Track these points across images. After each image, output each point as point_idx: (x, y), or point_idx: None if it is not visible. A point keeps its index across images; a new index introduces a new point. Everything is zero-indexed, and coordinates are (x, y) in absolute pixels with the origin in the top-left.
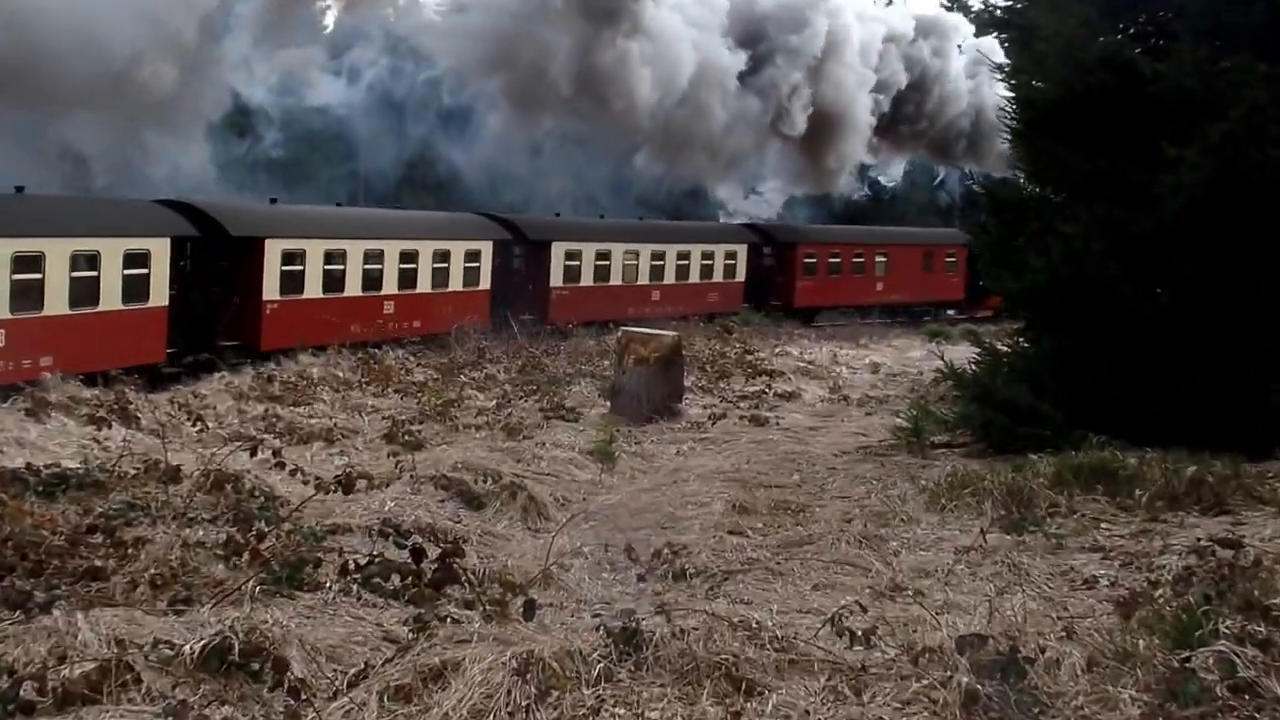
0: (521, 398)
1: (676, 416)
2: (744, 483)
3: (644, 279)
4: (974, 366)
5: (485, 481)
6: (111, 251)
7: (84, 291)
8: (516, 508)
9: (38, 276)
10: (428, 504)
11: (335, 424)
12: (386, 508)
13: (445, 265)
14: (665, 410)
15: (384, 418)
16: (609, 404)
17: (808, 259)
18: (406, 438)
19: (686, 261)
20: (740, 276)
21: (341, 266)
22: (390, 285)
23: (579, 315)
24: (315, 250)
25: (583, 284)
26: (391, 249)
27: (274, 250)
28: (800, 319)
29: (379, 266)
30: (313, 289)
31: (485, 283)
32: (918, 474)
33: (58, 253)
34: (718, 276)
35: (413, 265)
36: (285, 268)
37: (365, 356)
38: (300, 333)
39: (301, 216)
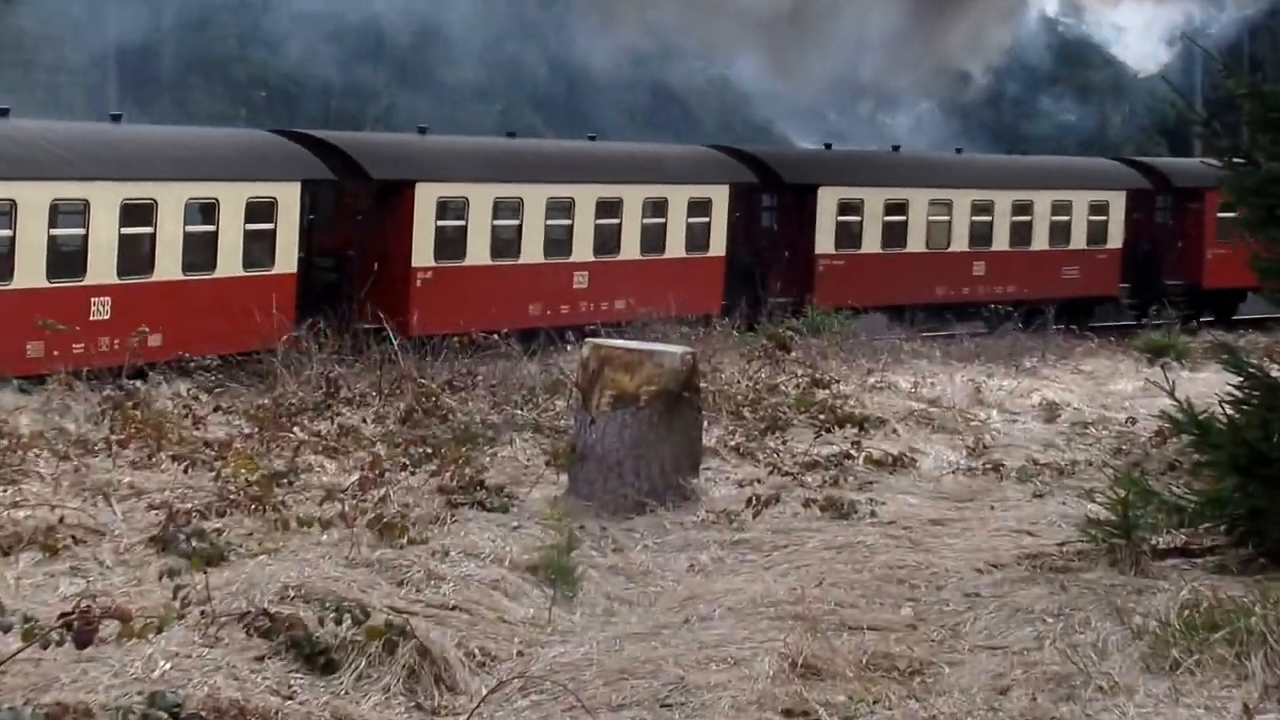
0: (406, 467)
1: (689, 501)
2: (812, 622)
3: (960, 243)
4: (1231, 410)
5: (339, 622)
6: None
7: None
8: (396, 670)
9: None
10: (234, 664)
11: (62, 519)
12: (156, 672)
13: (660, 220)
14: (669, 490)
15: (153, 506)
16: (566, 479)
17: (1223, 214)
18: (195, 543)
19: (1027, 217)
20: (1114, 242)
21: (516, 221)
22: (583, 249)
23: (857, 296)
24: (482, 199)
25: (864, 249)
26: (585, 197)
27: (427, 197)
28: (1212, 310)
29: (566, 222)
30: (477, 253)
31: (720, 247)
32: (1128, 605)
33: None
34: (1077, 241)
35: (614, 220)
36: (440, 222)
37: (119, 396)
38: (458, 314)
39: (462, 152)
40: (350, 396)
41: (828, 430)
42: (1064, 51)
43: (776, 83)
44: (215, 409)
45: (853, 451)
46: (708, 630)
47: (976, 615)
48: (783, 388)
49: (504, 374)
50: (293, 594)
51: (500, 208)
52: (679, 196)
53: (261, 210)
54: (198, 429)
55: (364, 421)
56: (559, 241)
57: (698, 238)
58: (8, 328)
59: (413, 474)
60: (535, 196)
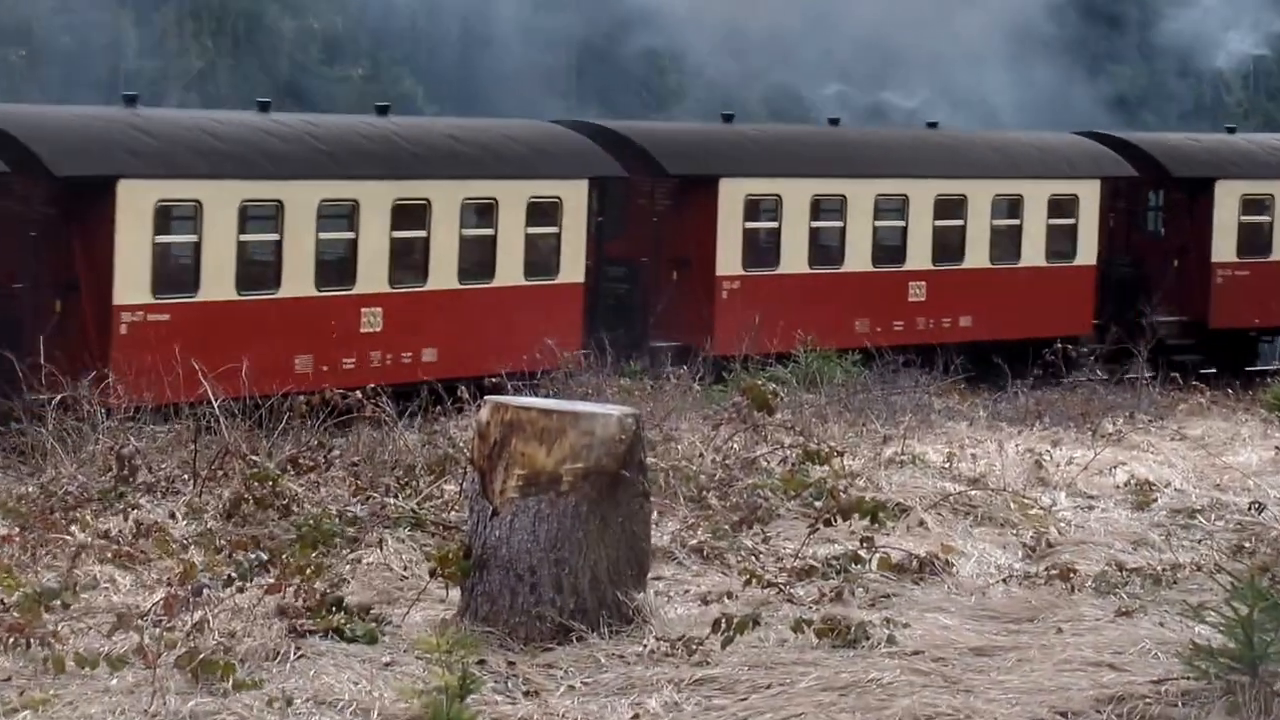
0: (232, 581)
1: (632, 624)
2: None
3: None
4: None
5: None
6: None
7: None
8: None
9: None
10: None
11: None
12: None
13: (1013, 221)
14: (603, 609)
15: None
16: (458, 594)
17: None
18: None
19: None
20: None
21: (838, 223)
22: (920, 256)
23: (1263, 313)
24: (798, 196)
25: (1275, 256)
26: (921, 194)
27: (733, 195)
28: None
29: (899, 223)
30: (792, 260)
31: (1089, 254)
32: None
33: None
34: None
35: (957, 221)
36: (749, 224)
37: None
38: (771, 331)
39: (774, 141)
40: (152, 481)
41: (828, 523)
42: None
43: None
44: None
45: (863, 552)
46: None
47: None
48: (764, 463)
49: (370, 447)
50: None
51: (820, 207)
52: (1037, 193)
53: (546, 211)
54: None
55: (171, 516)
56: (890, 247)
57: (1061, 243)
58: (275, 340)
59: (241, 590)
60: (861, 193)
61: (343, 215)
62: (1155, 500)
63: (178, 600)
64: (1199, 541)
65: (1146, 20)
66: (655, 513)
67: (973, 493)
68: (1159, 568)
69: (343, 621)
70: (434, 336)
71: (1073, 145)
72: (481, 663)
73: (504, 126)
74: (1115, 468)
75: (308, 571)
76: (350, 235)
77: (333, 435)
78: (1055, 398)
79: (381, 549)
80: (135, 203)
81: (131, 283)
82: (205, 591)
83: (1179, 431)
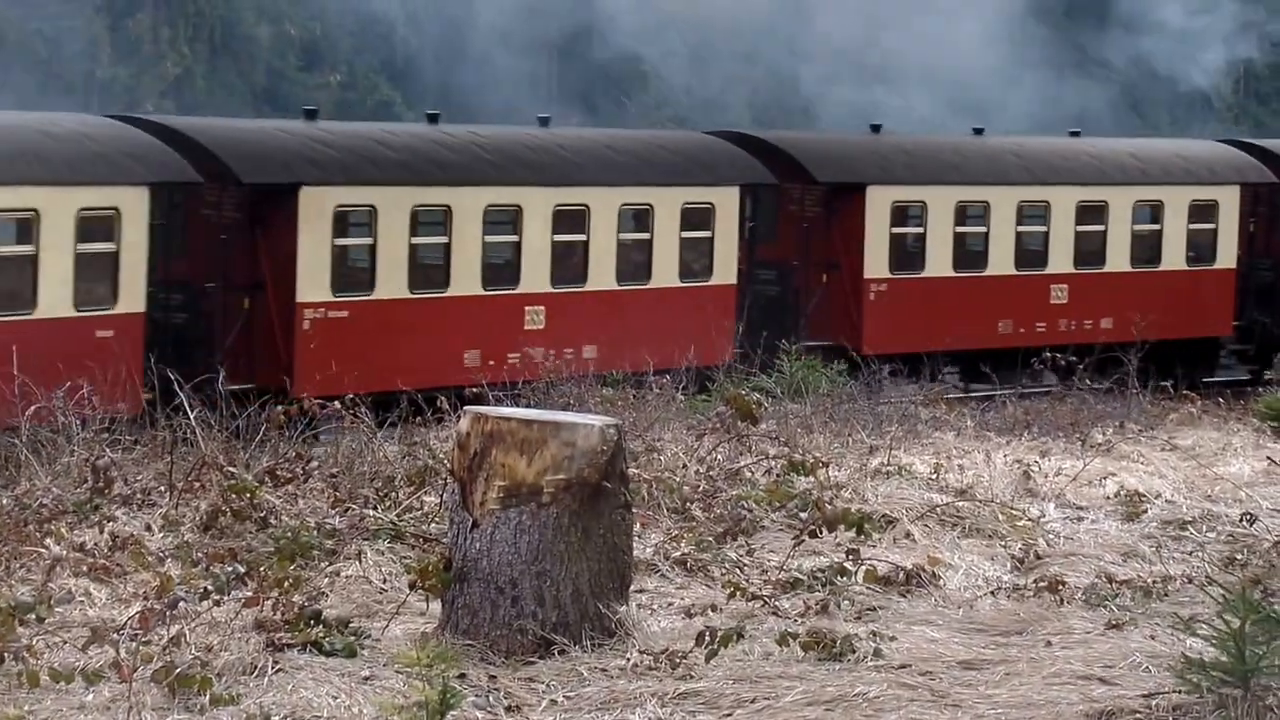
0: (208, 594)
1: (615, 637)
2: None
3: None
4: None
5: None
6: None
7: None
8: None
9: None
10: None
11: None
12: None
13: (1154, 226)
14: (585, 621)
15: None
16: (439, 607)
17: None
18: None
19: None
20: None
21: (982, 229)
22: (1061, 260)
23: None
24: (943, 203)
25: None
26: (1062, 201)
27: (880, 202)
28: None
29: (1041, 229)
30: (937, 264)
31: (1229, 259)
32: None
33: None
34: None
35: (1098, 226)
36: (895, 230)
37: None
38: (915, 331)
39: (919, 151)
40: (128, 493)
41: (813, 535)
42: None
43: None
44: None
45: (848, 564)
46: None
47: None
48: (748, 473)
49: (349, 458)
50: None
51: (965, 213)
52: (1178, 199)
53: (699, 215)
54: None
55: (147, 529)
56: (1033, 251)
57: (1201, 247)
58: (445, 336)
59: (218, 603)
60: (1004, 199)
61: (507, 220)
62: (1145, 511)
63: (154, 614)
64: (1190, 553)
65: (1134, 23)
66: (638, 524)
67: (960, 504)
68: (1149, 580)
69: (321, 635)
70: (594, 334)
71: (1213, 152)
72: (462, 676)
73: (659, 137)
74: (1105, 478)
75: (286, 584)
76: (514, 238)
77: (311, 446)
78: (1044, 407)
79: (360, 561)
80: (316, 208)
81: (313, 282)
82: (181, 605)
83: (1170, 442)
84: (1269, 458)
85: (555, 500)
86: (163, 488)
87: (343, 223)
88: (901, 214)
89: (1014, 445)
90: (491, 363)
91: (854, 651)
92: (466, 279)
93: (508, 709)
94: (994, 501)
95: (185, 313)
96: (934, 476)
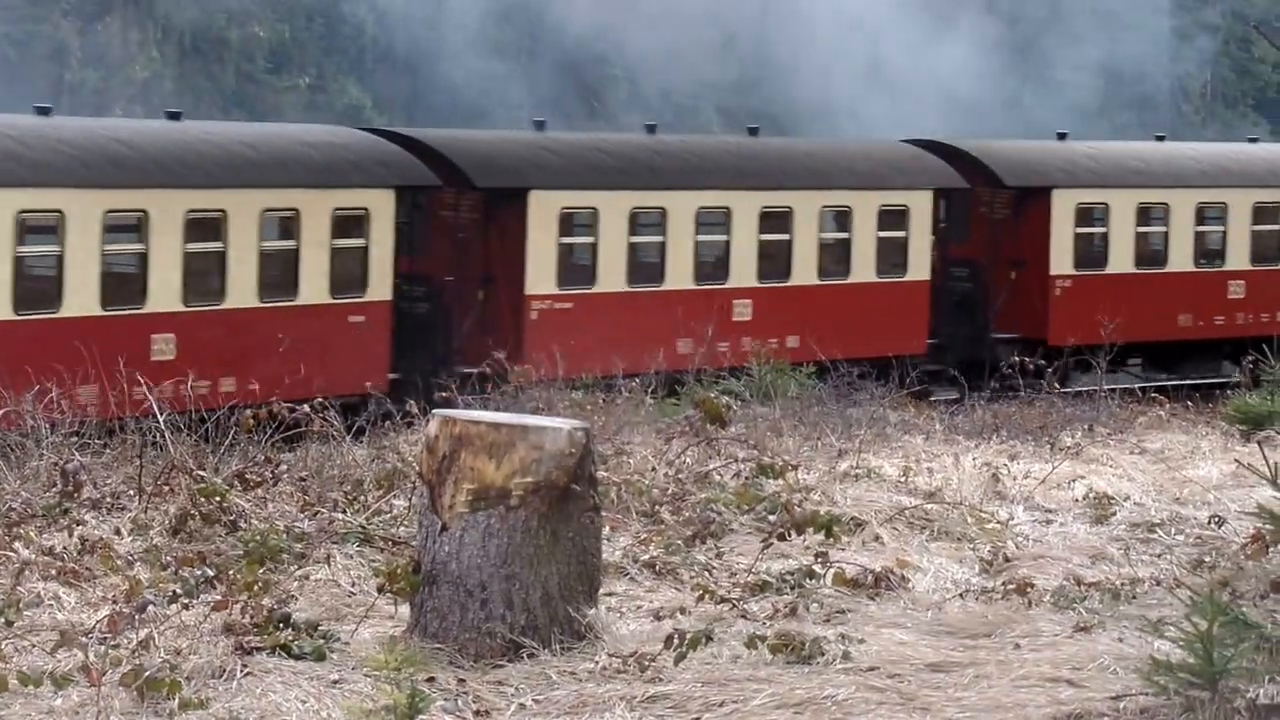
0: (177, 598)
1: (584, 640)
2: None
3: None
4: None
5: None
6: None
7: None
8: None
9: None
10: None
11: None
12: None
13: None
14: (555, 624)
15: None
16: (408, 610)
17: None
18: None
19: None
20: None
21: (1162, 228)
22: (1239, 257)
23: None
24: (1124, 205)
25: None
26: (1241, 203)
27: (1065, 204)
28: None
29: (1218, 228)
30: (1119, 261)
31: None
32: None
33: None
34: None
35: (1274, 226)
36: (1079, 229)
37: None
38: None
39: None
40: (97, 497)
41: (782, 538)
42: None
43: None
44: None
45: (817, 567)
46: None
47: None
48: (717, 476)
49: (319, 462)
50: None
51: (1148, 215)
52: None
53: (894, 217)
54: None
55: (117, 533)
56: (1212, 250)
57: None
58: (660, 326)
59: (187, 607)
60: (1183, 201)
61: (718, 221)
62: (1114, 514)
63: (123, 617)
64: (1158, 556)
65: (1102, 26)
66: (607, 527)
67: (929, 507)
68: (1118, 582)
69: (290, 638)
70: (796, 326)
71: None
72: (431, 680)
73: (858, 145)
74: (1074, 481)
75: (255, 588)
76: (724, 238)
77: (281, 450)
78: (1013, 410)
79: (329, 565)
80: (543, 210)
81: (541, 276)
82: (150, 608)
83: (1139, 445)
84: (1237, 460)
85: (524, 503)
86: (132, 491)
87: (568, 223)
88: (1086, 215)
89: (983, 448)
90: (701, 349)
91: (822, 654)
92: (680, 275)
93: (476, 713)
94: (963, 504)
95: (427, 303)
96: (903, 479)
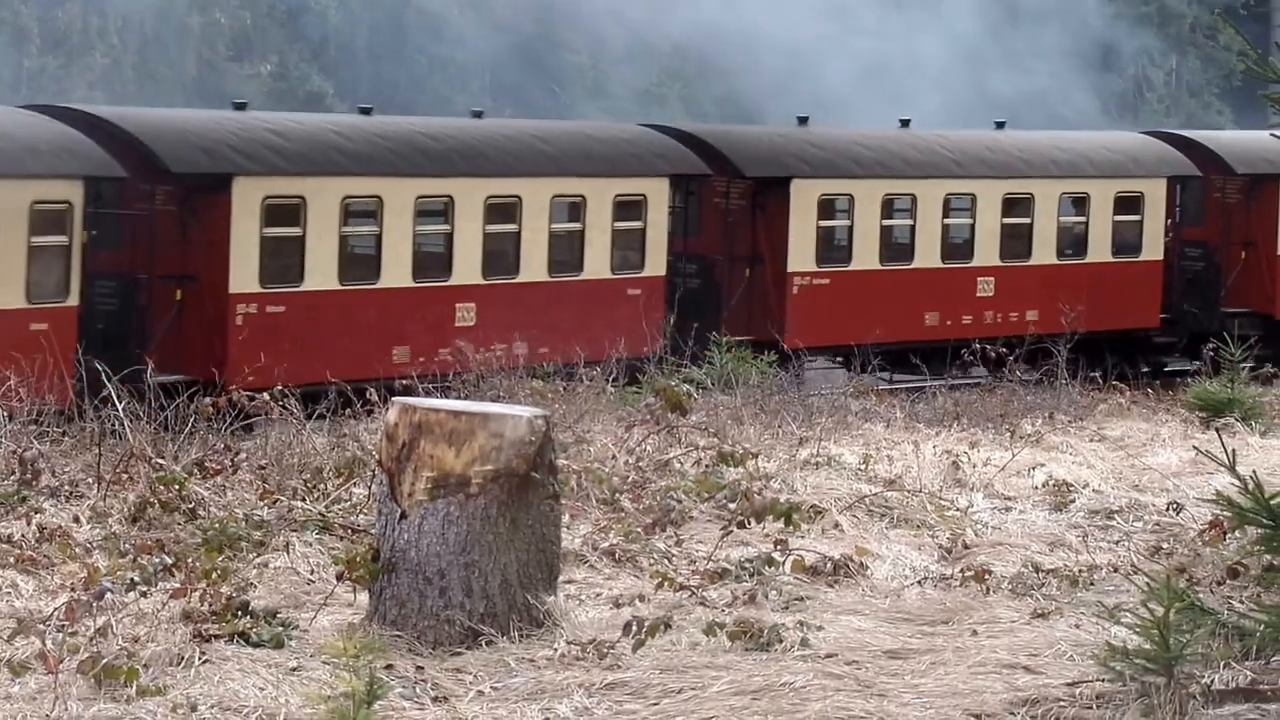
0: (135, 585)
1: (543, 628)
2: None
3: None
4: None
5: None
6: None
7: None
8: None
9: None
10: None
11: None
12: None
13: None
14: (513, 612)
15: None
16: (366, 598)
17: None
18: None
19: None
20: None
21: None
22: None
23: None
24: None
25: None
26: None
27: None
28: None
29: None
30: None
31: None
32: None
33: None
34: None
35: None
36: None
37: None
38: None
39: None
40: (55, 485)
41: (741, 525)
42: None
43: None
44: None
45: (777, 555)
46: None
47: None
48: (677, 464)
49: (278, 450)
50: None
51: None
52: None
53: (1130, 203)
54: None
55: (75, 520)
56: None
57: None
58: (909, 301)
59: (145, 594)
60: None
61: (966, 207)
62: (1073, 501)
63: (81, 605)
64: (1116, 543)
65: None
66: (567, 515)
67: (889, 494)
68: (1076, 569)
69: (249, 626)
70: (1035, 302)
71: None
72: (389, 667)
73: (1099, 138)
74: (1033, 469)
75: (213, 576)
76: (970, 221)
77: (240, 438)
78: (974, 399)
79: (289, 553)
80: (804, 197)
81: (802, 255)
82: (108, 596)
83: (1098, 432)
84: (1195, 448)
85: (483, 491)
86: (91, 479)
87: (827, 208)
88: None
89: (943, 436)
90: (949, 323)
91: (781, 641)
92: (929, 254)
93: (435, 699)
94: (922, 492)
95: (699, 279)
96: (863, 467)
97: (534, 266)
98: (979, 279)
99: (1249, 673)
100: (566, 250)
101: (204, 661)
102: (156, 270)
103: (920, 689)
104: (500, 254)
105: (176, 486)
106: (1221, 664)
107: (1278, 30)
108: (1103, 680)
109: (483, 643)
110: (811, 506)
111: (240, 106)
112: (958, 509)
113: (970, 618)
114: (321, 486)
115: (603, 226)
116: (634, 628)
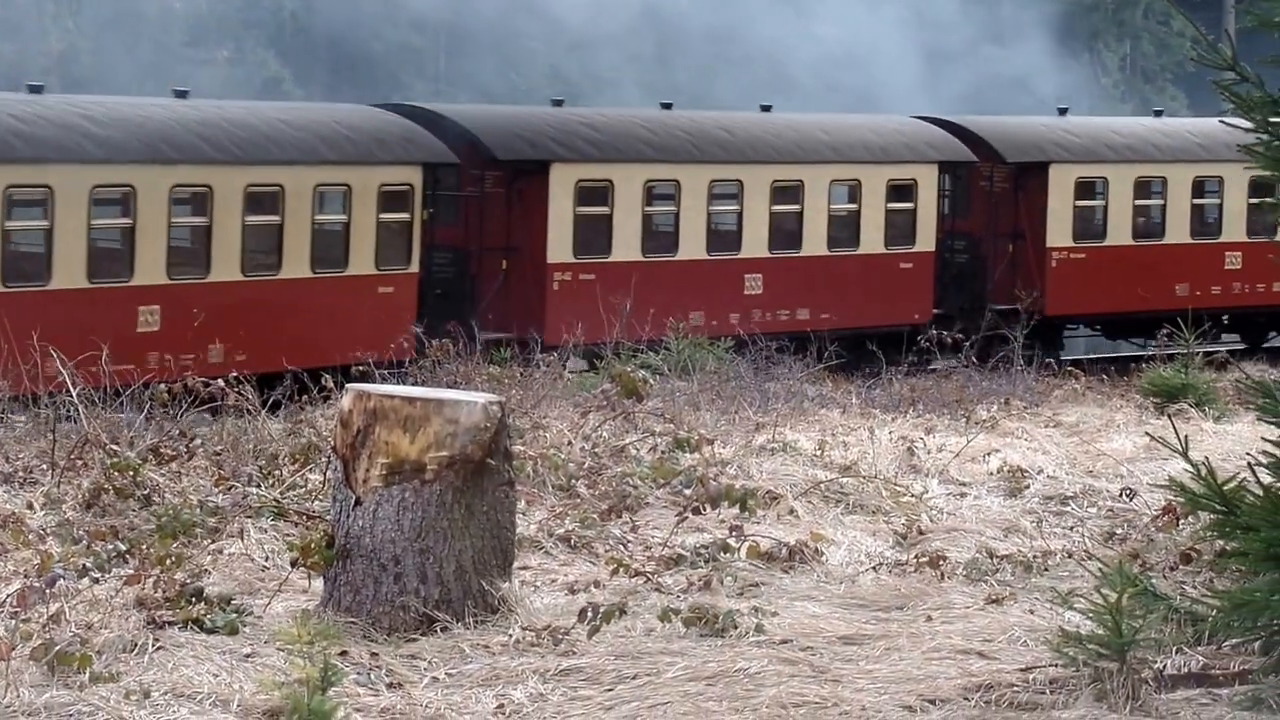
0: (88, 572)
1: (498, 614)
2: None
3: None
4: (1271, 477)
5: None
6: None
7: None
8: None
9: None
10: None
11: None
12: None
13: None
14: (468, 598)
15: None
16: (321, 584)
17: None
18: None
19: None
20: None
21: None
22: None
23: None
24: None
25: None
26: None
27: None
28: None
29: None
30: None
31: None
32: None
33: None
34: None
35: None
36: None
37: None
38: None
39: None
40: (9, 471)
41: (696, 511)
42: None
43: None
44: None
45: (732, 541)
46: None
47: None
48: (633, 450)
49: (234, 436)
50: None
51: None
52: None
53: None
54: None
55: (29, 507)
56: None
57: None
58: (1160, 274)
59: (99, 581)
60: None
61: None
62: (1027, 487)
63: (33, 591)
64: (1070, 528)
65: None
66: (522, 501)
67: (844, 480)
68: (1030, 555)
69: (203, 612)
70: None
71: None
72: (344, 654)
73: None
74: (988, 455)
75: (168, 562)
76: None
77: (196, 424)
78: (929, 385)
79: (243, 539)
80: (1062, 180)
81: (1059, 231)
82: (61, 582)
83: (1053, 418)
84: (1149, 434)
85: (438, 477)
86: (45, 465)
87: (1085, 190)
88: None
89: (899, 422)
90: (1199, 293)
91: (736, 627)
92: (1180, 230)
93: (389, 686)
94: (878, 478)
95: (966, 254)
96: (819, 453)
97: (815, 242)
98: (1226, 254)
99: (1201, 658)
100: (844, 228)
101: (158, 648)
102: (485, 243)
103: (874, 674)
104: (785, 231)
105: (131, 472)
106: (1174, 649)
107: (1229, 15)
108: (1056, 665)
109: (438, 629)
110: (767, 492)
111: (182, 94)
112: (913, 495)
113: (925, 603)
114: (277, 473)
115: (877, 206)
116: (589, 614)
